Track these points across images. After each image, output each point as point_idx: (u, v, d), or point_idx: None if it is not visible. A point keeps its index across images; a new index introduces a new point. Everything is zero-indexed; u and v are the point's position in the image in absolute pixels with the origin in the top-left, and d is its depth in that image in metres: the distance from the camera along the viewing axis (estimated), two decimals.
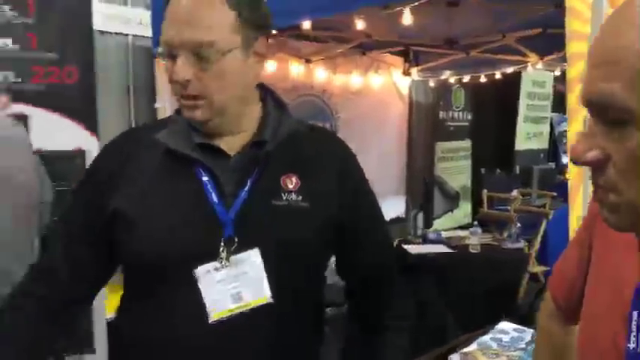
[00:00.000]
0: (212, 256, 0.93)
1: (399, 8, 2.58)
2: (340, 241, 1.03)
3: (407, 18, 2.58)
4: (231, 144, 0.98)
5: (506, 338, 1.82)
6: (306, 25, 2.83)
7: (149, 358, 0.97)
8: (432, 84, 4.91)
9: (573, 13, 1.36)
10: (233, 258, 0.93)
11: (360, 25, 3.04)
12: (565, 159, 5.93)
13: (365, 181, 1.09)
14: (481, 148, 5.80)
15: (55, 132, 2.06)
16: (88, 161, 1.10)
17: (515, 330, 1.89)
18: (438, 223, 4.82)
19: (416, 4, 2.44)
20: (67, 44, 2.14)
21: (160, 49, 0.92)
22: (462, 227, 4.72)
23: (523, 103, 6.01)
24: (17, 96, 2.03)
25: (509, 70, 4.24)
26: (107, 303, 2.16)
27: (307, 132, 1.05)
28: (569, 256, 0.85)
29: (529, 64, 3.95)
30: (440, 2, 2.87)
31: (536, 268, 3.72)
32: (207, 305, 0.92)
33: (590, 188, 0.58)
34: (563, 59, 1.46)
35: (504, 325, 1.94)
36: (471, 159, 5.73)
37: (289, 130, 1.00)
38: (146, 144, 0.98)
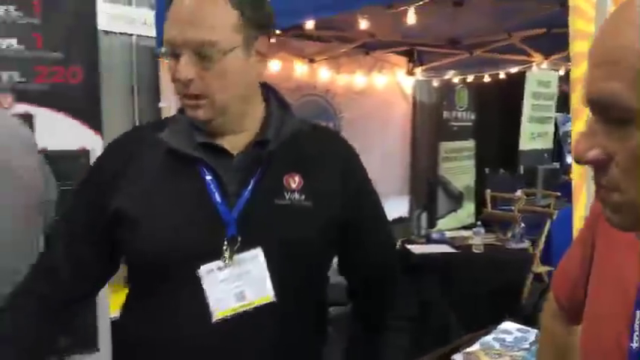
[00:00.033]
0: (215, 255, 0.93)
1: (403, 8, 2.57)
2: (343, 240, 1.03)
3: (411, 17, 2.58)
4: (234, 143, 0.98)
5: (509, 338, 1.82)
6: (310, 24, 2.83)
7: (153, 357, 0.97)
8: (435, 84, 4.91)
9: (577, 12, 1.36)
10: (236, 257, 0.93)
11: (363, 24, 3.04)
12: (569, 159, 5.91)
13: (368, 180, 1.09)
14: (485, 148, 5.79)
15: (60, 131, 2.06)
16: (93, 160, 1.10)
17: (518, 330, 1.89)
18: (441, 223, 4.82)
19: (420, 3, 2.44)
20: (72, 44, 2.15)
21: (162, 49, 0.93)
22: (465, 227, 4.72)
23: (527, 102, 5.99)
24: (22, 96, 2.03)
25: (514, 69, 4.23)
26: (111, 302, 2.17)
27: (310, 131, 1.05)
28: (572, 256, 0.85)
29: (534, 63, 3.94)
30: (444, 2, 2.87)
31: (540, 269, 3.71)
32: (210, 304, 0.92)
33: (594, 188, 0.58)
34: (568, 59, 1.46)
35: (508, 325, 1.94)
36: (474, 159, 5.72)
37: (292, 129, 1.00)
38: (149, 143, 0.99)
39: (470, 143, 5.65)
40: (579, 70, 1.33)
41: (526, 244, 3.82)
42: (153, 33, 3.06)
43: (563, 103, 6.29)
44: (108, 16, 3.06)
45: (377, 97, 4.52)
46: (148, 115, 3.21)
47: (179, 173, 0.96)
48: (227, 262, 0.93)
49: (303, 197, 0.97)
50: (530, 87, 5.92)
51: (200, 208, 0.94)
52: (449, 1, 2.91)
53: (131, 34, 3.24)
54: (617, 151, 0.52)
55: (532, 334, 1.84)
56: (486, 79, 4.50)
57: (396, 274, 1.12)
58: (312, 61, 3.98)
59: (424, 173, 5.05)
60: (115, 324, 2.15)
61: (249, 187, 0.95)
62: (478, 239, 3.64)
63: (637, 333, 0.61)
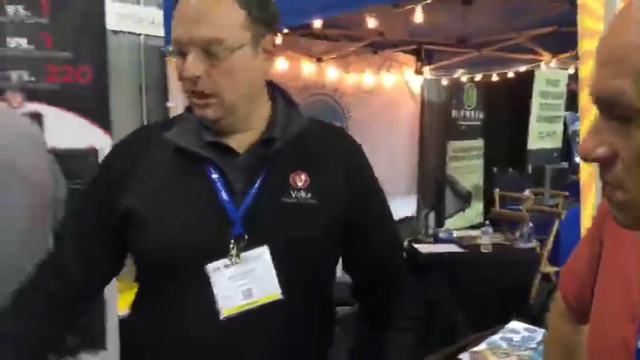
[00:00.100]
0: (222, 253, 0.93)
1: (410, 6, 2.57)
2: (349, 238, 1.03)
3: (419, 16, 2.57)
4: (240, 142, 0.99)
5: (516, 338, 1.81)
6: (317, 23, 2.83)
7: (161, 355, 0.98)
8: (444, 83, 4.90)
9: (586, 10, 1.35)
10: (243, 255, 0.94)
11: (371, 23, 3.04)
12: (578, 158, 5.86)
13: (374, 179, 1.09)
14: (493, 148, 5.76)
15: (69, 130, 2.08)
16: (101, 159, 1.11)
17: (526, 330, 1.88)
18: (449, 223, 4.80)
19: (428, 1, 2.43)
20: (81, 44, 2.16)
21: (170, 48, 0.93)
22: (473, 227, 4.70)
23: (536, 101, 5.96)
24: (31, 95, 2.05)
25: (522, 68, 4.21)
26: (119, 301, 2.18)
27: (317, 129, 1.05)
28: (579, 255, 0.84)
29: (542, 62, 3.92)
30: (453, 0, 2.86)
31: (548, 268, 3.69)
32: (217, 302, 0.93)
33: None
34: (577, 57, 1.45)
35: (515, 324, 1.93)
36: (483, 158, 5.69)
37: (299, 127, 1.01)
38: (157, 142, 0.99)
39: (478, 142, 5.63)
40: (588, 69, 1.32)
41: (534, 243, 3.81)
42: (161, 32, 3.08)
43: (572, 102, 6.25)
44: (116, 16, 3.08)
45: (385, 96, 4.52)
46: (156, 115, 3.23)
47: (186, 172, 0.97)
48: (234, 260, 0.94)
49: (309, 195, 0.97)
50: (538, 86, 5.89)
51: (207, 206, 0.95)
52: (457, 0, 2.90)
53: (139, 34, 3.26)
54: (623, 148, 0.52)
55: (539, 333, 1.83)
56: (495, 78, 4.48)
57: (401, 274, 1.12)
58: (319, 60, 3.98)
59: (432, 172, 5.04)
60: (123, 323, 2.16)
61: (256, 186, 0.96)
62: (486, 239, 3.63)
63: None
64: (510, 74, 4.36)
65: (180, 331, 0.95)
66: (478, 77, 4.70)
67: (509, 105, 5.91)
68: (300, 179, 0.98)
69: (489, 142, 5.73)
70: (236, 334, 0.93)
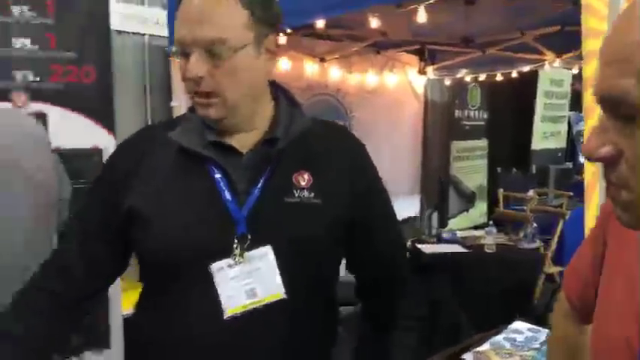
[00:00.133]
0: (226, 253, 0.94)
1: (413, 6, 2.57)
2: (352, 238, 1.03)
3: (422, 16, 2.57)
4: (243, 142, 0.99)
5: (520, 338, 1.81)
6: (320, 23, 2.83)
7: (165, 355, 0.98)
8: (447, 83, 4.89)
9: (590, 10, 1.35)
10: (246, 255, 0.94)
11: (374, 23, 3.04)
12: (583, 158, 5.85)
13: (378, 178, 1.09)
14: (497, 148, 5.75)
15: (73, 130, 2.09)
16: (105, 159, 1.12)
17: (529, 330, 1.87)
18: (453, 223, 4.79)
19: (430, 1, 2.43)
20: (85, 44, 2.17)
21: (173, 48, 0.93)
22: (477, 227, 4.69)
23: (540, 101, 5.95)
24: (36, 95, 2.06)
25: (526, 68, 4.20)
26: (123, 300, 2.19)
27: (320, 129, 1.05)
28: (583, 255, 0.84)
29: (546, 62, 3.91)
30: (456, 0, 2.86)
31: (552, 269, 3.68)
32: (221, 302, 0.93)
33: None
34: (581, 57, 1.44)
35: (518, 324, 1.93)
36: (487, 158, 5.68)
37: (301, 127, 1.01)
38: (160, 142, 0.99)
39: (482, 142, 5.62)
40: (592, 69, 1.32)
41: (538, 244, 3.80)
42: (165, 33, 3.09)
43: (576, 102, 6.23)
44: (121, 16, 3.08)
45: (388, 96, 4.51)
46: (160, 115, 3.23)
47: (190, 172, 0.97)
48: (237, 259, 0.94)
49: (312, 195, 0.97)
50: (542, 86, 5.88)
51: (210, 206, 0.95)
52: (461, 0, 2.90)
53: (144, 34, 3.27)
54: (628, 147, 0.52)
55: (543, 334, 1.82)
56: (499, 77, 4.47)
57: (404, 274, 1.12)
58: (322, 60, 3.98)
59: (435, 172, 5.03)
60: (127, 322, 2.17)
61: (259, 186, 0.96)
62: (490, 239, 3.62)
63: None
64: (514, 74, 4.35)
65: (184, 330, 0.95)
66: (482, 77, 4.69)
67: (513, 105, 5.90)
68: (304, 179, 0.98)
69: (493, 142, 5.72)
70: (240, 333, 0.93)
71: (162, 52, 3.28)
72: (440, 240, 3.99)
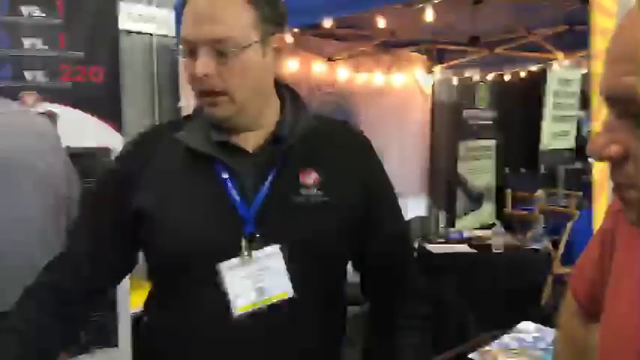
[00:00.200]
0: (234, 252, 0.94)
1: (421, 5, 2.56)
2: (360, 235, 1.03)
3: (429, 15, 2.56)
4: (250, 141, 0.99)
5: (527, 338, 1.80)
6: (329, 23, 2.83)
7: (173, 353, 0.98)
8: (455, 82, 4.87)
9: (599, 8, 1.34)
10: (255, 254, 0.94)
11: (382, 22, 3.04)
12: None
13: (385, 175, 1.09)
14: (506, 148, 5.72)
15: (82, 130, 2.10)
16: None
17: (537, 330, 1.87)
18: (460, 223, 4.78)
19: (437, 0, 2.43)
20: (94, 44, 2.19)
21: (180, 47, 0.94)
22: (485, 227, 4.68)
23: (549, 101, 5.90)
24: (46, 95, 2.08)
25: (535, 67, 4.18)
26: (131, 298, 2.20)
27: (326, 126, 1.05)
28: (590, 254, 0.84)
29: (555, 61, 3.89)
30: None
31: (561, 269, 3.66)
32: (230, 300, 0.93)
33: None
34: (590, 56, 1.44)
35: (526, 325, 1.92)
36: (495, 158, 5.65)
37: (307, 125, 1.01)
38: (168, 142, 0.99)
39: (490, 142, 5.59)
40: (600, 67, 1.31)
41: (547, 244, 3.78)
42: (174, 33, 3.10)
43: (586, 102, 6.19)
44: (129, 17, 3.10)
45: (396, 95, 4.51)
46: (168, 115, 3.25)
47: (197, 172, 0.97)
48: (246, 258, 0.94)
49: (319, 193, 0.97)
50: (551, 85, 5.84)
51: (218, 206, 0.95)
52: None
53: (152, 34, 3.29)
54: (634, 147, 0.51)
55: (550, 334, 1.82)
56: (507, 77, 4.46)
57: (411, 272, 1.11)
58: (330, 59, 3.98)
59: (443, 172, 5.02)
60: (135, 320, 2.18)
61: (266, 185, 0.96)
62: (498, 239, 3.61)
63: None
64: (523, 73, 4.33)
65: (193, 329, 0.95)
66: (490, 76, 4.67)
67: (521, 105, 5.87)
68: (311, 177, 0.98)
69: (501, 142, 5.69)
70: (248, 332, 0.93)
71: (170, 52, 3.29)
72: (447, 240, 3.99)
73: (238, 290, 0.93)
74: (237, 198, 0.95)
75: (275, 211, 0.95)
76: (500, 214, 5.05)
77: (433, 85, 4.86)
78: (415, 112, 4.78)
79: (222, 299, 0.93)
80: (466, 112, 5.25)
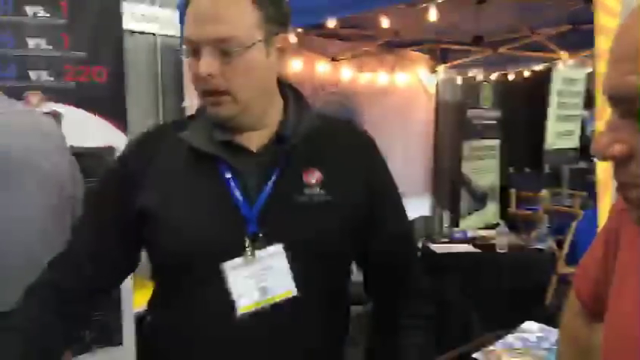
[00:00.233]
0: (237, 252, 0.94)
1: (425, 5, 2.56)
2: (363, 233, 1.03)
3: (433, 15, 2.56)
4: (253, 140, 0.99)
5: (531, 338, 1.80)
6: (332, 23, 2.84)
7: (177, 352, 0.99)
8: (459, 82, 4.87)
9: (602, 7, 1.34)
10: (258, 253, 0.94)
11: (386, 22, 3.03)
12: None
13: (389, 174, 1.08)
14: (510, 147, 5.71)
15: (86, 129, 2.10)
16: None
17: (541, 330, 1.87)
18: (465, 223, 4.77)
19: (441, 0, 2.43)
20: (98, 44, 2.20)
21: (183, 47, 0.94)
22: (489, 227, 4.67)
23: (553, 101, 5.89)
24: (50, 94, 2.09)
25: (539, 67, 4.17)
26: (135, 297, 2.21)
27: (329, 125, 1.05)
28: (594, 253, 0.83)
29: (559, 61, 3.88)
30: None
31: (566, 269, 3.65)
32: (234, 300, 0.93)
33: None
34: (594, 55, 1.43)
35: (530, 324, 1.92)
36: (499, 158, 5.64)
37: (311, 124, 1.01)
38: (171, 141, 1.00)
39: (494, 142, 5.58)
40: (604, 67, 1.30)
41: (551, 244, 3.77)
42: (177, 33, 3.11)
43: (591, 101, 6.17)
44: (133, 17, 3.11)
45: (399, 95, 4.51)
46: (172, 114, 3.25)
47: (200, 171, 0.97)
48: (249, 258, 0.94)
49: (322, 192, 0.97)
50: (556, 85, 5.82)
51: (221, 206, 0.95)
52: None
53: (156, 34, 3.30)
54: (637, 146, 0.51)
55: (554, 334, 1.81)
56: (511, 76, 4.45)
57: (415, 271, 1.11)
58: (334, 59, 3.98)
59: (447, 172, 5.01)
60: (139, 319, 2.19)
61: (269, 184, 0.96)
62: (502, 239, 3.60)
63: None
64: (527, 73, 4.32)
65: (196, 329, 0.96)
66: (494, 76, 4.66)
67: (525, 104, 5.85)
68: (314, 176, 0.98)
69: (506, 141, 5.67)
70: (252, 331, 0.93)
71: (174, 52, 3.30)
72: (451, 240, 3.98)
73: (242, 290, 0.94)
74: (240, 197, 0.95)
75: (278, 211, 0.96)
76: (504, 213, 5.04)
77: (437, 85, 4.86)
78: (419, 111, 4.78)
79: (225, 299, 0.93)
80: (470, 112, 5.24)
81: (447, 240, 4.00)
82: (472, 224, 4.85)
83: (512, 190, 4.81)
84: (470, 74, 4.64)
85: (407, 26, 3.52)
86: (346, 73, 4.07)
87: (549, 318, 1.88)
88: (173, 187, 0.97)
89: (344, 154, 1.02)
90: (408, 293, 1.09)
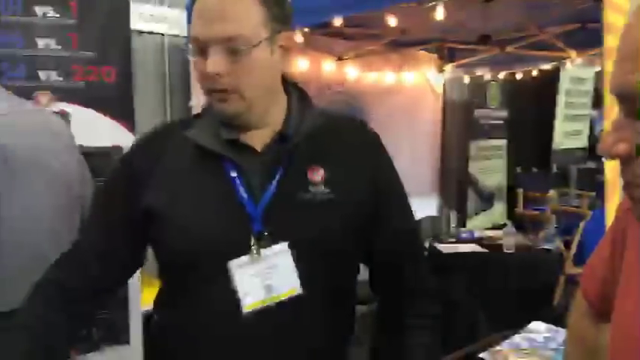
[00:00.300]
0: (243, 250, 0.94)
1: (432, 3, 2.56)
2: (369, 231, 1.02)
3: (440, 14, 2.56)
4: (257, 139, 0.99)
5: (538, 338, 1.79)
6: (338, 22, 2.84)
7: (184, 350, 0.99)
8: (466, 81, 4.85)
9: (611, 5, 1.33)
10: (263, 251, 0.95)
11: (392, 21, 3.03)
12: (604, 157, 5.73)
13: (395, 172, 1.08)
14: (517, 147, 5.68)
15: (94, 129, 2.11)
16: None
17: (548, 330, 1.86)
18: (472, 223, 4.76)
19: None
20: (107, 44, 2.21)
21: (190, 46, 0.94)
22: (496, 227, 4.65)
23: (561, 100, 5.86)
24: (59, 94, 2.10)
25: (547, 66, 4.15)
26: (143, 296, 2.22)
27: (333, 122, 1.05)
28: (601, 253, 0.83)
29: (567, 60, 3.86)
30: None
31: (573, 270, 3.63)
32: (239, 298, 0.94)
33: None
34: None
35: (537, 325, 1.91)
36: (506, 158, 5.62)
37: (314, 122, 1.01)
38: (178, 140, 1.00)
39: (501, 142, 5.56)
40: (612, 65, 1.30)
41: (559, 244, 3.75)
42: (185, 33, 3.12)
43: (599, 100, 6.13)
44: (141, 17, 3.13)
45: (406, 94, 4.50)
46: (180, 113, 3.27)
47: (206, 169, 0.98)
48: (255, 256, 0.95)
49: (327, 190, 0.97)
50: (564, 84, 5.79)
51: (227, 204, 0.96)
52: None
53: (163, 34, 3.31)
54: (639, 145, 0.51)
55: (561, 334, 1.80)
56: (519, 75, 4.43)
57: (421, 270, 1.11)
58: (340, 58, 3.98)
59: (454, 172, 5.00)
60: (146, 318, 2.20)
61: (274, 183, 0.96)
62: (509, 239, 3.59)
63: None
64: (535, 72, 4.30)
65: (202, 327, 0.96)
66: (501, 75, 4.64)
67: (533, 104, 5.83)
68: (318, 174, 0.98)
69: (513, 141, 5.65)
70: (257, 329, 0.94)
71: (181, 52, 3.31)
72: (458, 240, 3.97)
73: (247, 288, 0.94)
74: (245, 196, 0.95)
75: (282, 209, 0.96)
76: (511, 214, 5.01)
77: (444, 84, 4.85)
78: (426, 111, 4.77)
79: (231, 297, 0.93)
80: (477, 112, 5.22)
81: (453, 240, 3.98)
82: (479, 224, 4.83)
83: (520, 190, 4.79)
84: (477, 73, 4.63)
85: (413, 25, 3.51)
86: (352, 72, 4.07)
87: (557, 318, 1.87)
88: (179, 185, 0.97)
89: (349, 151, 1.02)
90: (414, 293, 1.09)
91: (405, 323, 1.07)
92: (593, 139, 6.41)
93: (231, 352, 0.95)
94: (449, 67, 4.66)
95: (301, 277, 0.95)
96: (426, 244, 3.81)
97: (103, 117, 2.19)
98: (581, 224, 3.74)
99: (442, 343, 1.10)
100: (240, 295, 0.94)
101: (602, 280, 0.81)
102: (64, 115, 2.00)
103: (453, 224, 4.55)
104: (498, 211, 5.41)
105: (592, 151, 6.44)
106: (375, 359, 1.22)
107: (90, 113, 2.15)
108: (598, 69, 4.34)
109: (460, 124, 5.10)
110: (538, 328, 1.89)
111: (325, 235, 0.96)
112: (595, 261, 0.86)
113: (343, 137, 1.04)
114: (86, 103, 2.14)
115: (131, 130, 2.26)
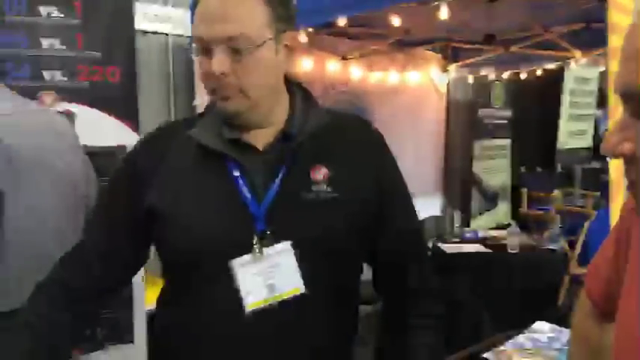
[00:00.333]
0: (246, 249, 0.95)
1: (436, 3, 2.55)
2: (372, 230, 1.02)
3: (444, 13, 2.55)
4: (260, 138, 0.99)
5: (542, 338, 1.79)
6: (342, 22, 2.84)
7: (187, 349, 0.99)
8: (470, 81, 4.84)
9: (615, 5, 1.32)
10: (266, 251, 0.95)
11: (397, 21, 3.03)
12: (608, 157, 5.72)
13: (398, 172, 1.08)
14: (522, 147, 5.67)
15: (99, 129, 2.12)
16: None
17: (551, 330, 1.85)
18: (476, 223, 4.75)
19: None
20: (111, 44, 2.22)
21: (193, 46, 0.94)
22: (500, 227, 4.64)
23: (566, 100, 5.84)
24: (63, 94, 2.11)
25: (551, 66, 4.14)
26: (147, 295, 2.22)
27: (337, 121, 1.04)
28: (605, 252, 0.83)
29: (572, 60, 3.85)
30: None
31: (578, 270, 3.62)
32: (242, 297, 0.94)
33: None
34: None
35: (541, 325, 1.91)
36: (510, 157, 5.61)
37: (317, 121, 1.01)
38: (181, 139, 1.00)
39: (505, 141, 5.55)
40: (617, 65, 1.29)
41: (563, 244, 3.74)
42: (189, 33, 3.12)
43: (604, 100, 6.10)
44: (145, 17, 3.14)
45: (410, 94, 4.49)
46: (184, 113, 3.27)
47: (209, 169, 0.98)
48: (257, 255, 0.95)
49: (330, 189, 0.97)
50: (568, 84, 5.78)
51: (229, 203, 0.96)
52: None
53: (168, 34, 3.32)
54: None
55: (565, 334, 1.80)
56: (523, 75, 4.42)
57: (424, 270, 1.11)
58: (344, 58, 3.98)
59: (458, 172, 4.99)
60: (150, 317, 2.20)
61: (277, 182, 0.96)
62: (513, 239, 3.58)
63: None
64: (539, 72, 4.29)
65: (206, 325, 0.96)
66: (506, 75, 4.63)
67: (538, 103, 5.81)
68: (321, 173, 0.98)
69: (517, 141, 5.63)
70: (260, 328, 0.94)
71: (186, 52, 3.32)
72: (462, 240, 3.96)
73: (250, 287, 0.94)
74: (248, 195, 0.95)
75: (285, 209, 0.96)
76: (515, 213, 5.01)
77: (448, 84, 4.84)
78: (430, 110, 4.76)
79: (233, 296, 0.94)
80: (481, 111, 5.21)
81: (457, 240, 3.98)
82: (483, 224, 4.82)
83: (524, 190, 4.78)
84: (482, 73, 4.62)
85: (418, 25, 3.50)
86: (356, 72, 4.06)
87: (561, 318, 1.87)
88: (182, 184, 0.98)
89: (353, 150, 1.02)
90: (418, 292, 1.09)
91: (409, 323, 1.06)
92: (597, 138, 6.38)
93: (233, 351, 0.96)
94: (453, 67, 4.65)
95: (304, 276, 0.95)
96: (430, 244, 3.81)
97: (107, 117, 2.20)
98: (586, 224, 3.73)
99: (446, 343, 1.10)
100: (243, 294, 0.94)
101: (607, 280, 0.81)
102: (69, 116, 2.01)
103: (456, 224, 4.54)
104: (502, 210, 5.40)
105: (597, 151, 6.41)
106: (380, 359, 1.22)
107: (94, 113, 2.15)
108: (602, 69, 4.32)
109: (464, 123, 5.09)
110: (542, 328, 1.88)
111: (328, 235, 0.96)
112: (599, 261, 0.85)
113: (347, 137, 1.04)
114: (91, 103, 2.15)
115: (135, 129, 2.26)
